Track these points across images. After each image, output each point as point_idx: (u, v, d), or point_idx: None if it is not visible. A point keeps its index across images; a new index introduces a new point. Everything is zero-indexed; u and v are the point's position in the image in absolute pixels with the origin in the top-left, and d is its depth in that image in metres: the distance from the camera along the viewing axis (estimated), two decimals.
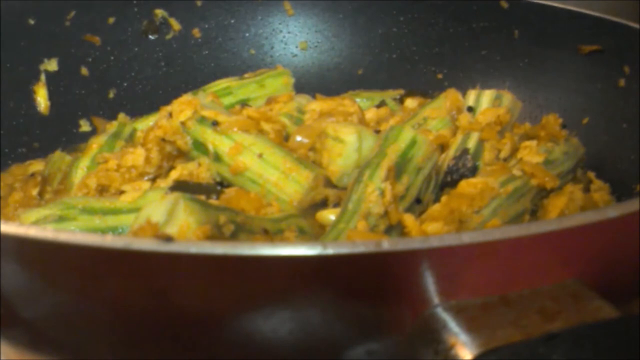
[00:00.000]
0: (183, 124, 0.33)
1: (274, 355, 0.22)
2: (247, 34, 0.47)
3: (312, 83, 0.46)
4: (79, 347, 0.24)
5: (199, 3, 0.46)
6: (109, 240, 0.19)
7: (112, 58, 0.44)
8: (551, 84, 0.42)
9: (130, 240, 0.19)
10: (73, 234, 0.19)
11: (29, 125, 0.41)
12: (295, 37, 0.48)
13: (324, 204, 0.33)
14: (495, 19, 0.43)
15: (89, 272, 0.20)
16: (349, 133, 0.33)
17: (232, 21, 0.47)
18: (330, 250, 0.19)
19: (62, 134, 0.42)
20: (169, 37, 0.46)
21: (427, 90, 0.44)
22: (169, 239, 0.19)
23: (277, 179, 0.32)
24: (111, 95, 0.44)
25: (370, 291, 0.20)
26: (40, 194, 0.36)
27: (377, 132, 0.36)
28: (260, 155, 0.32)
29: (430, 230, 0.28)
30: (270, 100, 0.39)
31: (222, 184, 0.33)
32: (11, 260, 0.21)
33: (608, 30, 0.39)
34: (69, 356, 0.24)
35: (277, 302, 0.20)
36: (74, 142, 0.42)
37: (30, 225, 0.20)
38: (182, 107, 0.33)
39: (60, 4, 0.42)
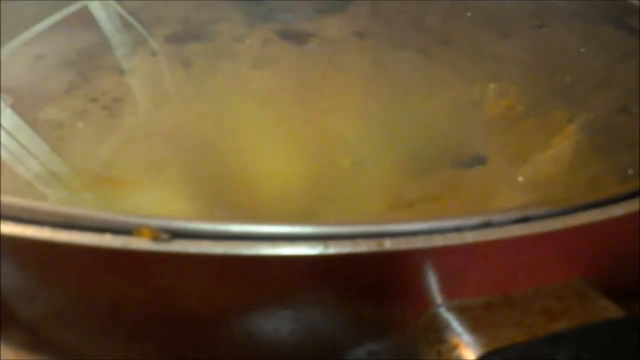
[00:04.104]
0: None
1: (274, 355, 0.22)
2: None
3: None
4: (79, 348, 0.24)
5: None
6: (107, 240, 0.19)
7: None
8: None
9: (128, 240, 0.19)
10: (70, 233, 0.19)
11: None
12: None
13: None
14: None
15: (87, 272, 0.20)
16: None
17: None
18: (331, 250, 0.19)
19: None
20: None
21: None
22: (168, 238, 0.19)
23: None
24: None
25: (372, 291, 0.20)
26: None
27: None
28: None
29: None
30: None
31: None
32: (9, 260, 0.20)
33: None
34: (68, 356, 0.24)
35: (278, 302, 0.20)
36: None
37: (27, 225, 0.19)
38: None
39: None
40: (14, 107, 0.31)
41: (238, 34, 0.38)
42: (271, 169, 0.28)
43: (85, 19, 0.40)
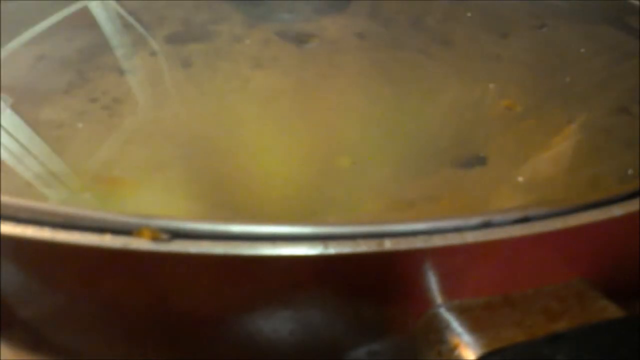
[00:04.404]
0: None
1: (274, 355, 0.22)
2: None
3: None
4: (79, 348, 0.24)
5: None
6: (107, 240, 0.19)
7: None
8: None
9: (128, 240, 0.19)
10: (70, 233, 0.19)
11: None
12: None
13: None
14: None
15: (87, 272, 0.20)
16: None
17: None
18: (331, 250, 0.19)
19: None
20: None
21: None
22: (168, 238, 0.19)
23: None
24: None
25: (373, 291, 0.20)
26: None
27: None
28: None
29: None
30: None
31: None
32: (9, 260, 0.20)
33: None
34: (68, 357, 0.24)
35: (278, 302, 0.20)
36: None
37: (27, 225, 0.19)
38: None
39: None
40: (14, 107, 0.31)
41: (238, 34, 0.38)
42: (271, 169, 0.28)
43: (85, 19, 0.40)
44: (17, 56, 0.36)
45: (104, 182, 0.27)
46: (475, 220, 0.20)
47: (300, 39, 0.38)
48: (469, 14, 0.41)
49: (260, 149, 0.29)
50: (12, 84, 0.33)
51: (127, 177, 0.27)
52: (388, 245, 0.19)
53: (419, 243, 0.19)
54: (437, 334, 0.20)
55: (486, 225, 0.20)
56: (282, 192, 0.27)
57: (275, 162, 0.29)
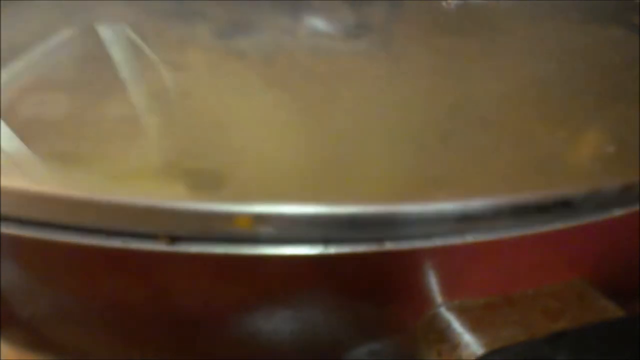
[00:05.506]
0: None
1: (275, 355, 0.22)
2: None
3: None
4: (79, 348, 0.24)
5: None
6: (107, 240, 0.19)
7: None
8: None
9: (128, 240, 0.19)
10: (70, 233, 0.19)
11: None
12: None
13: None
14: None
15: (87, 273, 0.20)
16: None
17: None
18: (331, 250, 0.19)
19: None
20: None
21: None
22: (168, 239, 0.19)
23: None
24: None
25: (373, 291, 0.20)
26: None
27: None
28: None
29: None
30: None
31: None
32: (9, 260, 0.20)
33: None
34: (68, 356, 0.24)
35: (278, 302, 0.20)
36: None
37: (27, 225, 0.19)
38: None
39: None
40: (14, 107, 0.31)
41: (237, 33, 0.38)
42: (271, 169, 0.28)
43: (86, 18, 0.40)
44: (17, 56, 0.36)
45: (103, 182, 0.27)
46: (475, 220, 0.20)
47: (302, 39, 0.38)
48: (468, 14, 0.41)
49: (260, 148, 0.29)
50: (12, 84, 0.33)
51: (127, 177, 0.27)
52: (388, 245, 0.19)
53: (419, 243, 0.19)
54: (437, 333, 0.20)
55: (486, 224, 0.20)
56: (282, 192, 0.27)
57: (275, 162, 0.29)
